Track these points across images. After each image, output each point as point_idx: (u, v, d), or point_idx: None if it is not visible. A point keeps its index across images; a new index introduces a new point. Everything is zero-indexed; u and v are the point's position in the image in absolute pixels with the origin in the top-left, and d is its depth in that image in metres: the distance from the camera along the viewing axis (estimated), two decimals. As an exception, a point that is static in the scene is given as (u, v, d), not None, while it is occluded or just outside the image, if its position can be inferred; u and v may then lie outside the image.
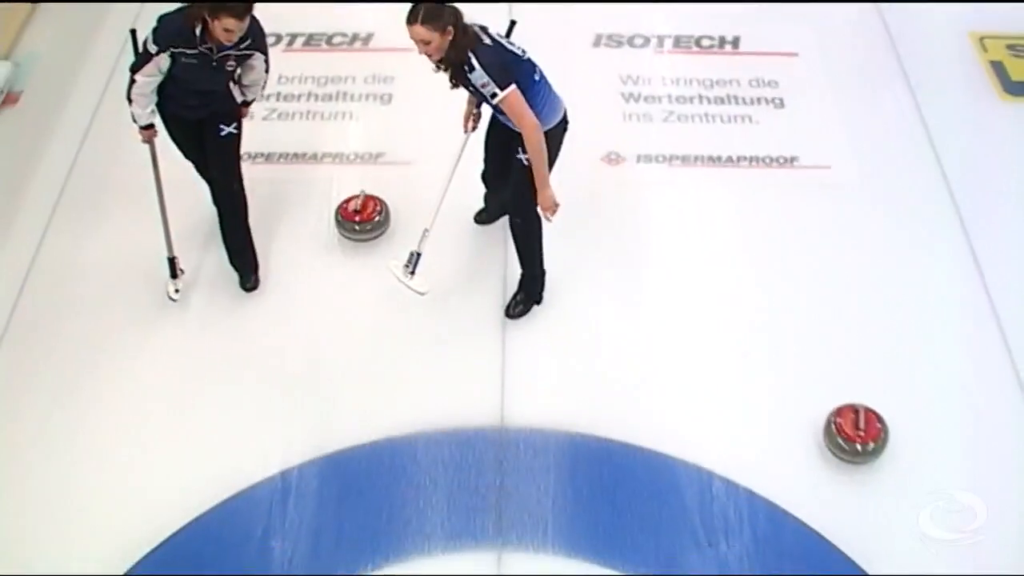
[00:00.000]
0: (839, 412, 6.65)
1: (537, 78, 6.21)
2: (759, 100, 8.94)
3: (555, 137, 6.35)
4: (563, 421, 5.96)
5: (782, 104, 8.90)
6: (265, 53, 6.66)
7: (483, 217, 7.71)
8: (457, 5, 5.98)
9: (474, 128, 6.79)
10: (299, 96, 8.91)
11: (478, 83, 5.98)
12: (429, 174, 7.15)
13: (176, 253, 7.18)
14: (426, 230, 6.71)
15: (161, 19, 6.26)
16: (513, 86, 5.98)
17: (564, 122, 6.44)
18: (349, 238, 7.68)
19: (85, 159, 8.33)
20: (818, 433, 6.67)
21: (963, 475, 6.53)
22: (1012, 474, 6.57)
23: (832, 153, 8.58)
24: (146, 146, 6.85)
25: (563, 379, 6.48)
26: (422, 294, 6.71)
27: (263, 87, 6.98)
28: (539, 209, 6.52)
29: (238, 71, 6.63)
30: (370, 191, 7.76)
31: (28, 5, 9.51)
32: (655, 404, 6.88)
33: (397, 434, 6.73)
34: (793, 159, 8.46)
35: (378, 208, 7.75)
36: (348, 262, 7.64)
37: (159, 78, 6.43)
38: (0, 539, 6.14)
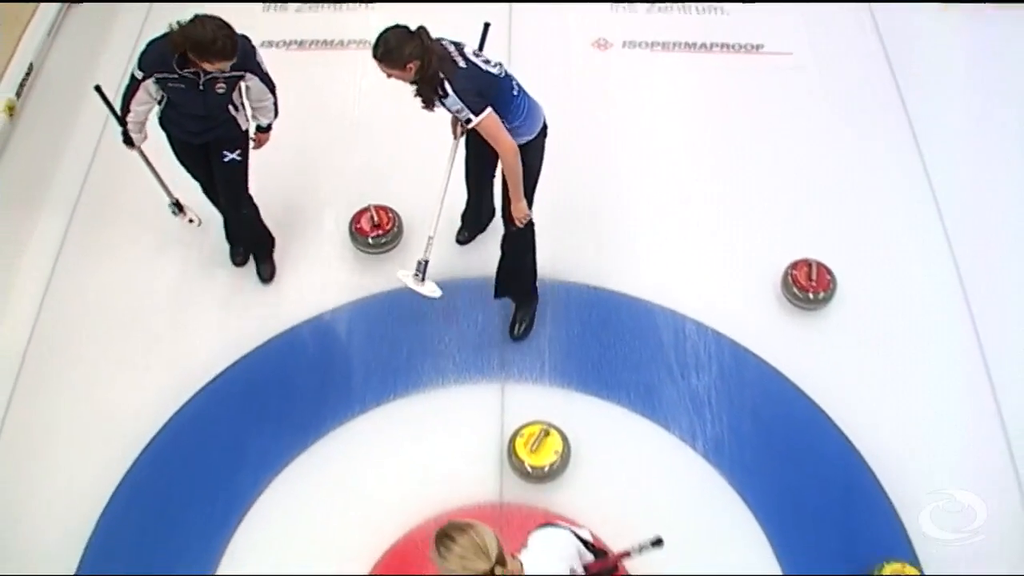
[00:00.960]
0: (795, 265, 6.68)
1: (515, 92, 5.51)
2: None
3: (537, 147, 5.74)
4: (558, 272, 5.91)
5: (753, -3, 8.55)
6: (258, 72, 5.75)
7: (463, 237, 6.94)
8: (425, 25, 5.31)
9: (463, 133, 5.95)
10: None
11: (452, 108, 5.37)
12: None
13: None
14: (430, 237, 6.07)
15: (148, 45, 5.56)
16: (488, 110, 5.31)
17: (544, 129, 5.73)
18: (367, 252, 6.95)
19: (95, 177, 7.45)
20: (776, 283, 6.72)
21: (902, 320, 6.63)
22: (939, 309, 6.67)
23: (793, 42, 8.39)
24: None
25: (556, 237, 6.42)
26: (436, 298, 6.17)
27: (275, 109, 6.04)
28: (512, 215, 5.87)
29: (234, 94, 5.83)
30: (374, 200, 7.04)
31: (29, 9, 8.07)
32: (637, 258, 6.91)
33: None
34: (759, 46, 8.29)
35: (391, 219, 6.95)
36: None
37: (151, 104, 5.78)
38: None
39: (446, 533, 3.78)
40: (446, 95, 5.28)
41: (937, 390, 6.31)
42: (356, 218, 6.87)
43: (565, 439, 5.94)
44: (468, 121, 5.32)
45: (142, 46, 5.64)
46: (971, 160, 7.32)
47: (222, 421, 6.21)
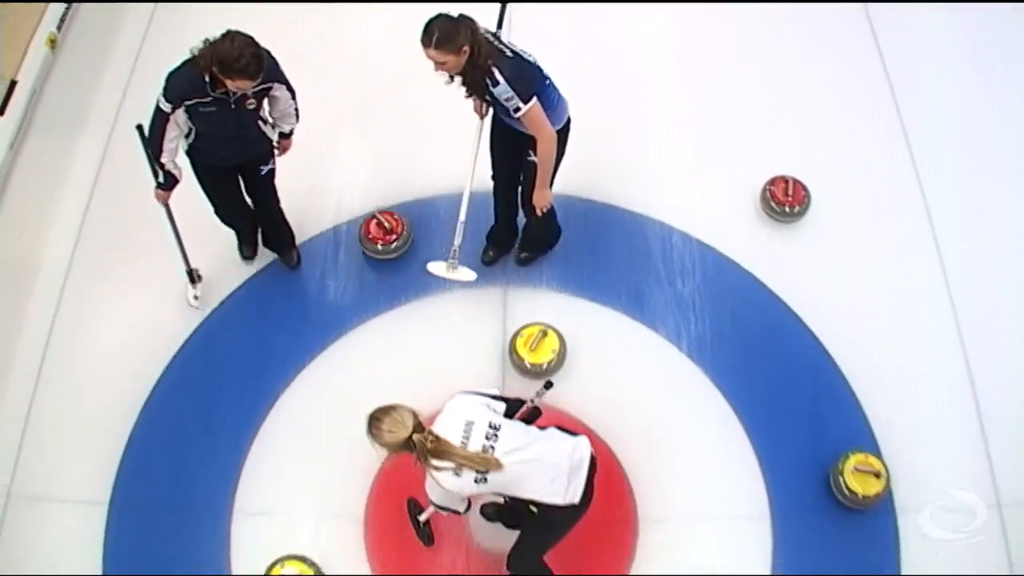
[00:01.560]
0: (772, 181, 6.63)
1: (548, 82, 5.22)
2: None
3: (563, 136, 5.43)
4: (557, 186, 5.83)
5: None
6: (284, 81, 5.29)
7: (488, 257, 6.44)
8: (469, 15, 5.02)
9: (486, 113, 5.57)
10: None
11: (502, 97, 5.01)
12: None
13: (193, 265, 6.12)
14: (462, 222, 5.83)
15: (169, 76, 5.05)
16: (535, 99, 5.04)
17: (568, 120, 5.45)
18: (376, 258, 6.45)
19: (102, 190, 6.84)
20: (755, 198, 6.67)
21: (870, 233, 6.60)
22: (904, 224, 6.64)
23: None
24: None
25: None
26: (471, 280, 6.04)
27: (296, 115, 5.55)
28: (534, 202, 5.63)
29: (263, 109, 5.38)
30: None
31: (35, 18, 7.20)
32: (629, 174, 6.83)
33: (422, 196, 6.69)
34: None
35: (399, 224, 6.41)
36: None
37: (180, 136, 5.25)
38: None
39: (374, 416, 4.20)
40: (496, 83, 5.00)
41: (900, 297, 6.29)
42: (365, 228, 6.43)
43: (562, 339, 5.94)
44: (516, 110, 5.05)
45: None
46: (937, 80, 7.23)
47: (247, 327, 6.21)
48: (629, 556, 5.51)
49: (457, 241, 5.84)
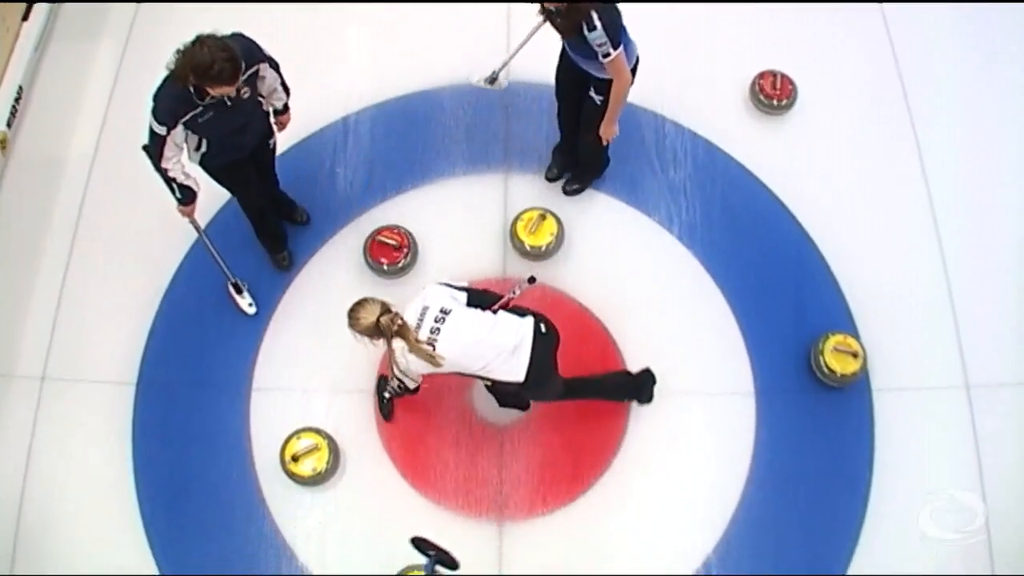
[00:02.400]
0: (761, 75, 6.13)
1: (624, 29, 4.71)
2: None
3: (632, 75, 4.91)
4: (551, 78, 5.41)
5: None
6: (266, 59, 4.61)
7: (552, 174, 5.90)
8: None
9: (545, 20, 4.83)
10: None
11: (595, 42, 4.52)
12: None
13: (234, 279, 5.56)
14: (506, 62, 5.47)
15: (155, 97, 4.40)
16: (622, 47, 4.60)
17: (637, 59, 4.92)
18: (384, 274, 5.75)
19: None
20: (745, 90, 6.17)
21: (852, 125, 6.13)
22: (885, 117, 6.16)
23: None
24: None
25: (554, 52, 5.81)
26: (504, 88, 5.70)
27: (285, 90, 4.88)
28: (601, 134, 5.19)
29: (257, 91, 4.70)
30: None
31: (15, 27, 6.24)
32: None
33: (428, 87, 6.20)
34: None
35: (405, 240, 5.67)
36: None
37: (182, 152, 4.62)
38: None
39: (350, 309, 4.27)
40: (592, 28, 4.49)
41: (880, 189, 5.89)
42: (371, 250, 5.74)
43: (560, 223, 5.65)
44: (607, 55, 4.58)
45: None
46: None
47: None
48: (622, 428, 5.29)
49: (500, 71, 5.55)
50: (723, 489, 5.16)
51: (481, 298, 4.54)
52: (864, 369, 5.30)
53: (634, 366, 5.32)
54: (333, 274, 5.66)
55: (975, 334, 5.45)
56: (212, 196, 5.31)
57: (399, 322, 4.20)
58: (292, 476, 5.12)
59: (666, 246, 5.75)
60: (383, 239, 5.62)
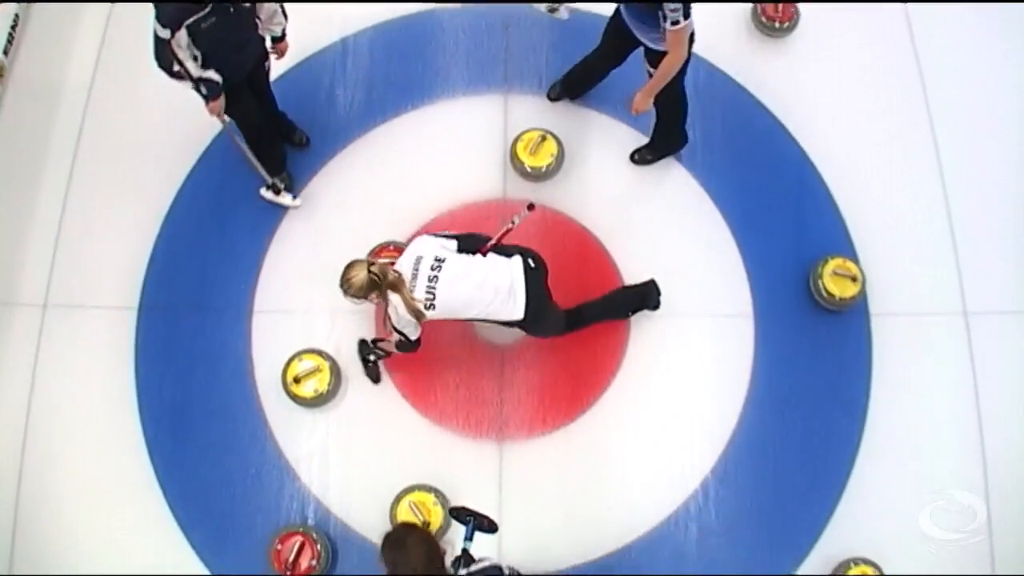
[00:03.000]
0: (763, -6, 5.51)
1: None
2: None
3: (688, 48, 4.38)
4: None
5: None
6: None
7: (554, 93, 5.36)
8: None
9: None
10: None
11: (668, 8, 4.00)
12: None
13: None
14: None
15: (157, 3, 4.02)
16: (691, 19, 4.08)
17: (693, 34, 4.32)
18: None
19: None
20: (747, 12, 5.59)
21: (853, 50, 5.56)
22: (887, 40, 5.59)
23: None
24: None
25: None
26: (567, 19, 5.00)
27: (284, 15, 4.48)
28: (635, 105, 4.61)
29: (258, 10, 4.34)
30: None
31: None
32: None
33: (427, 8, 5.66)
34: None
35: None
36: None
37: (189, 54, 4.17)
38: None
39: (341, 276, 4.02)
40: None
41: (881, 113, 5.36)
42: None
43: (560, 144, 5.17)
44: (676, 23, 4.04)
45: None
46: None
47: None
48: (621, 349, 4.92)
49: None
50: (721, 410, 4.81)
51: (470, 242, 4.23)
52: (863, 293, 4.90)
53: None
54: (333, 196, 5.23)
55: (974, 261, 5.03)
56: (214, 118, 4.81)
57: (393, 273, 3.98)
58: (294, 398, 4.76)
59: (667, 168, 5.27)
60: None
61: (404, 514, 4.50)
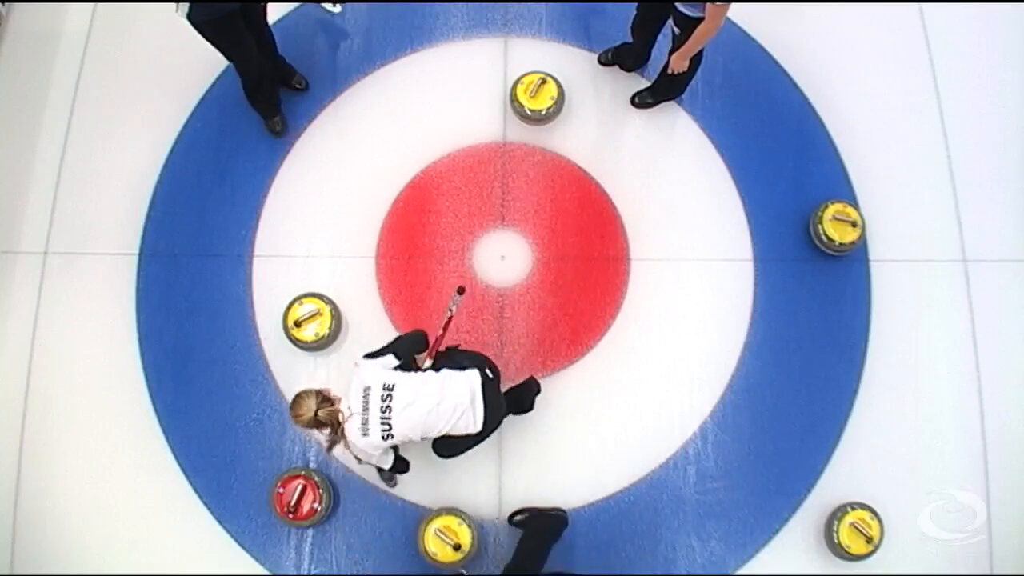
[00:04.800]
0: (766, -64, 4.98)
1: None
2: None
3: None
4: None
5: None
6: None
7: (605, 58, 4.85)
8: None
9: None
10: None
11: None
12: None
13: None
14: None
15: None
16: None
17: None
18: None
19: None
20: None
21: (859, 3, 5.00)
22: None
23: None
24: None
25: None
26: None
27: None
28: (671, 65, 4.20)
29: None
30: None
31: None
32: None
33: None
34: None
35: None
36: None
37: None
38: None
39: (290, 407, 3.49)
40: None
41: (884, 61, 4.89)
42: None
43: (560, 87, 4.70)
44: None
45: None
46: None
47: None
48: (621, 292, 4.55)
49: None
50: (720, 355, 4.45)
51: (408, 350, 3.70)
52: (863, 238, 4.51)
53: (633, 229, 4.59)
54: (333, 140, 4.77)
55: (974, 209, 4.63)
56: (211, 62, 4.46)
57: (340, 413, 3.47)
58: (295, 341, 4.39)
59: (667, 111, 4.81)
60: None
61: (431, 541, 4.12)
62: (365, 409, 3.51)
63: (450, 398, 3.57)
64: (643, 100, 4.78)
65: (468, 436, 3.69)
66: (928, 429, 4.31)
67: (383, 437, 3.52)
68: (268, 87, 4.54)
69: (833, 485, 4.25)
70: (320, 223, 4.64)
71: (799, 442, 4.32)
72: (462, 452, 3.84)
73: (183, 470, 4.31)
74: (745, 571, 4.20)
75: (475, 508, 4.22)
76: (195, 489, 4.29)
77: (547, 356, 4.45)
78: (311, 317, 4.40)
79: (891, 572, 4.16)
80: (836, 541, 4.12)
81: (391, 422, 3.51)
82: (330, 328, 4.39)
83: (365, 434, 3.51)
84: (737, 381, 4.40)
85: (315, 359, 4.44)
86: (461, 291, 3.85)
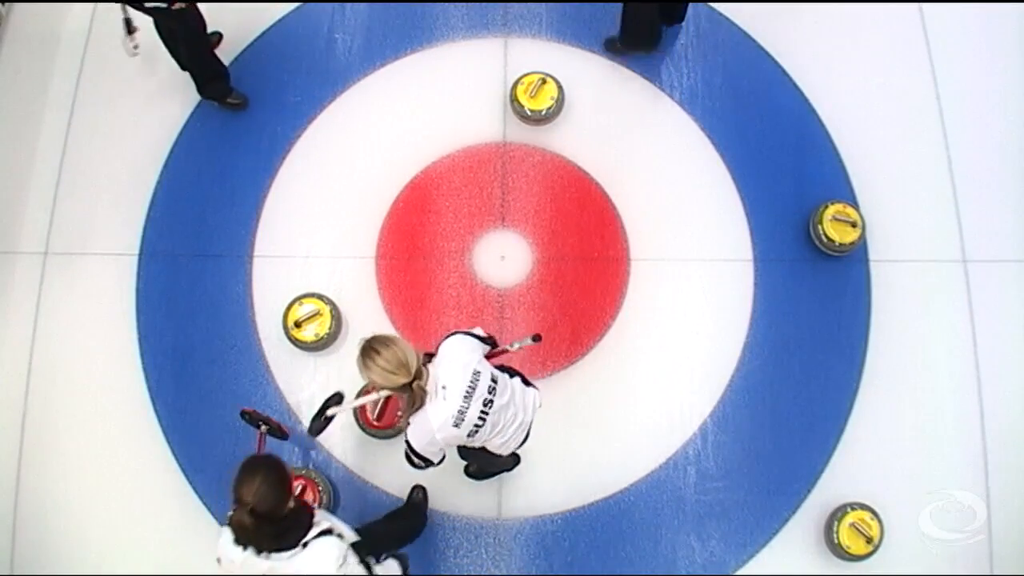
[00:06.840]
0: (766, -65, 4.93)
1: None
2: None
3: None
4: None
5: None
6: None
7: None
8: None
9: None
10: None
11: None
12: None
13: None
14: None
15: None
16: None
17: None
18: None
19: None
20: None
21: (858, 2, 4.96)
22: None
23: None
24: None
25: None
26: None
27: None
28: None
29: None
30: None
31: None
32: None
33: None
34: None
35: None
36: None
37: None
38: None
39: (371, 346, 2.87)
40: None
41: (884, 60, 4.84)
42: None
43: (560, 87, 4.67)
44: None
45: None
46: None
47: (261, 80, 4.81)
48: (621, 292, 4.50)
49: None
50: (720, 355, 4.40)
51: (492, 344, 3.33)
52: (862, 239, 4.47)
53: (633, 229, 4.55)
54: (333, 140, 4.72)
55: (974, 209, 4.58)
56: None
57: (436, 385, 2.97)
58: (295, 342, 4.35)
59: (667, 111, 4.77)
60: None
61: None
62: (467, 396, 2.97)
63: (523, 412, 3.22)
64: (611, 44, 4.78)
65: (501, 457, 3.36)
66: (928, 429, 4.27)
67: (468, 433, 3.04)
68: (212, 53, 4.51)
69: (833, 485, 4.21)
70: (320, 223, 4.60)
71: (799, 442, 4.27)
72: (494, 475, 3.67)
73: (183, 470, 4.26)
74: (745, 571, 4.15)
75: (475, 508, 4.17)
76: (195, 488, 4.24)
77: (547, 356, 4.41)
78: (311, 317, 4.36)
79: (891, 572, 4.11)
80: (836, 541, 4.07)
81: (487, 418, 3.03)
82: (330, 328, 4.35)
83: (456, 424, 2.99)
84: (737, 381, 4.36)
85: (315, 359, 4.40)
86: (536, 339, 3.49)
